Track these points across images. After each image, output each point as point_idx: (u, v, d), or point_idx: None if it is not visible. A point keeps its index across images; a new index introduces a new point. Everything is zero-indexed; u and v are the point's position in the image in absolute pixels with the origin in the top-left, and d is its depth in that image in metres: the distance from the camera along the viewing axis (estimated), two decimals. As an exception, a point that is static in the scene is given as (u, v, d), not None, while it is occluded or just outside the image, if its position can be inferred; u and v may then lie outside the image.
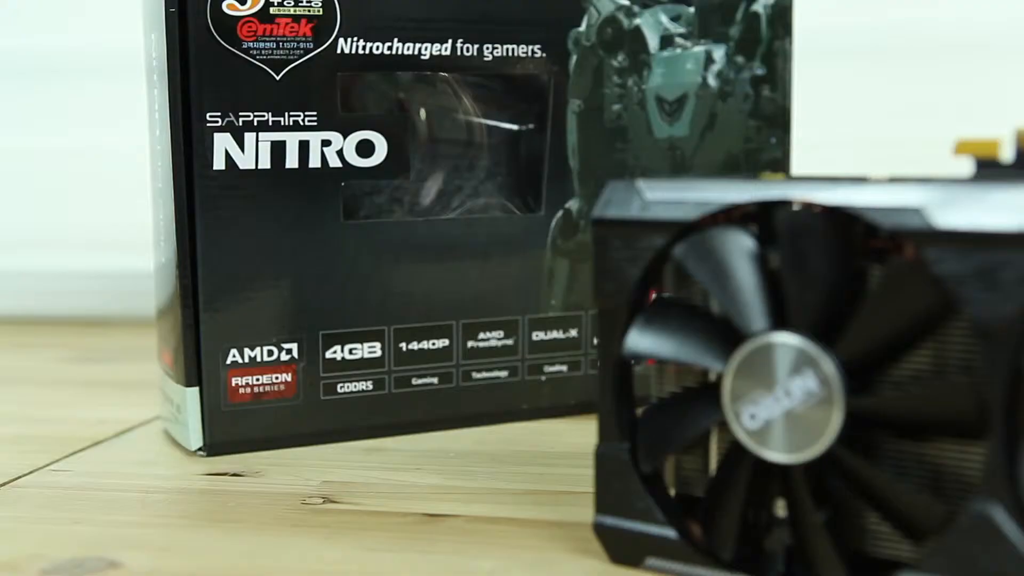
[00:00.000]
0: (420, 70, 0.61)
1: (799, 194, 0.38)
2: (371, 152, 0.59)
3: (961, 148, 0.38)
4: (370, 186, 0.61)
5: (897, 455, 0.37)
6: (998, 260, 0.34)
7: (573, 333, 0.64)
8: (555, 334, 0.64)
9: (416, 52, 0.60)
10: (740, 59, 0.67)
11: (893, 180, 0.38)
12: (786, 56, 0.68)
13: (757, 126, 0.68)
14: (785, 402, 0.37)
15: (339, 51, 0.58)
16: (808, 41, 0.77)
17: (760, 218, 0.40)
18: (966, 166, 0.39)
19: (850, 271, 0.37)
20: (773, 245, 0.39)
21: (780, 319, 0.38)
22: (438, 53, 0.60)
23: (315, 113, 0.58)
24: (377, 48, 0.59)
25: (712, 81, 0.66)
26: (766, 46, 0.67)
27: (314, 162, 0.58)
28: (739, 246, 0.39)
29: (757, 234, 0.39)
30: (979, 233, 0.34)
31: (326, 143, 0.58)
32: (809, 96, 0.76)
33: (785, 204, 0.38)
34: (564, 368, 0.65)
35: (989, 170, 0.37)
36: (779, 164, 0.69)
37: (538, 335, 0.64)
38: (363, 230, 0.60)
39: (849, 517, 0.39)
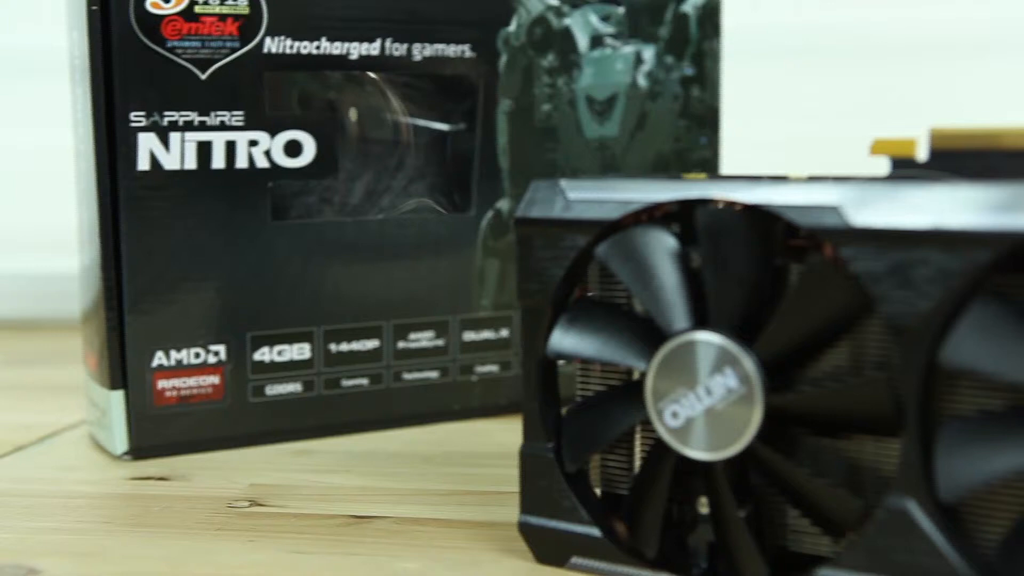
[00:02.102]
0: (348, 70, 0.60)
1: (719, 193, 0.38)
2: (299, 152, 0.59)
3: (877, 148, 0.38)
4: (300, 186, 0.61)
5: (816, 451, 0.38)
6: (912, 258, 0.34)
7: (504, 333, 0.64)
8: (486, 334, 0.64)
9: (344, 52, 0.60)
10: (670, 59, 0.67)
11: (811, 179, 0.38)
12: (715, 56, 0.68)
13: (687, 126, 0.68)
14: (706, 400, 0.38)
15: (266, 50, 0.57)
16: (738, 41, 0.77)
17: (682, 217, 0.40)
18: (884, 166, 0.39)
19: (770, 270, 0.38)
20: (695, 244, 0.39)
21: (701, 318, 0.38)
22: (367, 53, 0.60)
23: (242, 113, 0.57)
24: (305, 47, 0.59)
25: (642, 81, 0.66)
26: (695, 46, 0.68)
27: (241, 162, 0.57)
28: (661, 245, 0.39)
29: (679, 233, 0.40)
30: (893, 232, 0.34)
31: (253, 143, 0.58)
32: (739, 96, 0.76)
33: (706, 203, 0.38)
34: (495, 368, 0.64)
35: (904, 169, 0.38)
36: (708, 164, 0.69)
37: (469, 335, 0.64)
38: (292, 231, 0.59)
39: (770, 513, 0.39)
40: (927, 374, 0.35)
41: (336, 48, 0.59)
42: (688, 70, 0.68)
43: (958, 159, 0.37)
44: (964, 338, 0.33)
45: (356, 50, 0.60)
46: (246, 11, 0.57)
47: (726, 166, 0.72)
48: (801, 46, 0.93)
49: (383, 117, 0.63)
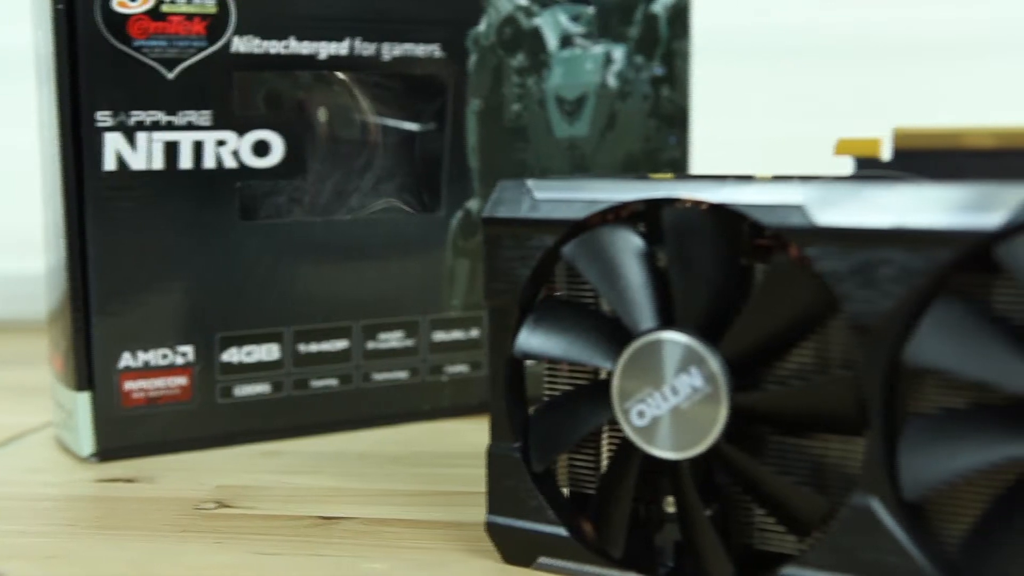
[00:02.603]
0: (317, 69, 0.60)
1: (685, 193, 0.38)
2: (267, 152, 0.59)
3: (841, 148, 0.38)
4: (269, 186, 0.61)
5: (782, 450, 0.38)
6: (875, 258, 0.34)
7: (474, 333, 0.64)
8: (456, 334, 0.64)
9: (313, 51, 0.59)
10: (639, 59, 0.67)
11: (776, 179, 0.39)
12: (685, 56, 0.69)
13: (656, 126, 0.68)
14: (672, 400, 0.38)
15: (234, 50, 0.57)
16: (709, 41, 0.78)
17: (648, 217, 0.40)
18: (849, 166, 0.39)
19: (735, 269, 0.38)
20: (661, 244, 0.39)
21: (668, 317, 0.38)
22: (335, 53, 0.60)
23: (209, 112, 0.57)
24: (273, 47, 0.58)
25: (612, 81, 0.66)
26: (665, 46, 0.68)
27: (209, 162, 0.57)
28: (627, 245, 0.39)
29: (645, 233, 0.40)
30: (857, 231, 0.35)
31: (221, 143, 0.57)
32: (710, 96, 0.76)
33: (671, 203, 0.38)
34: (465, 368, 0.64)
35: (869, 169, 0.38)
36: (678, 163, 0.70)
37: (439, 335, 0.64)
38: (261, 231, 0.59)
39: (736, 512, 0.39)
40: (891, 373, 0.35)
41: (305, 48, 0.59)
42: (658, 70, 0.68)
43: (921, 159, 0.37)
44: (927, 337, 0.33)
45: (325, 50, 0.60)
46: (214, 10, 0.56)
47: (696, 166, 0.72)
48: (771, 46, 0.94)
49: (352, 117, 0.63)
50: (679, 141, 0.69)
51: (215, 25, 0.56)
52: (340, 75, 0.62)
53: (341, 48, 0.60)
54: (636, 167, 0.68)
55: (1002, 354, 0.33)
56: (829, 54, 0.93)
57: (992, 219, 0.33)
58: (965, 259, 0.33)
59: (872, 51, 0.92)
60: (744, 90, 0.93)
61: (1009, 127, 0.36)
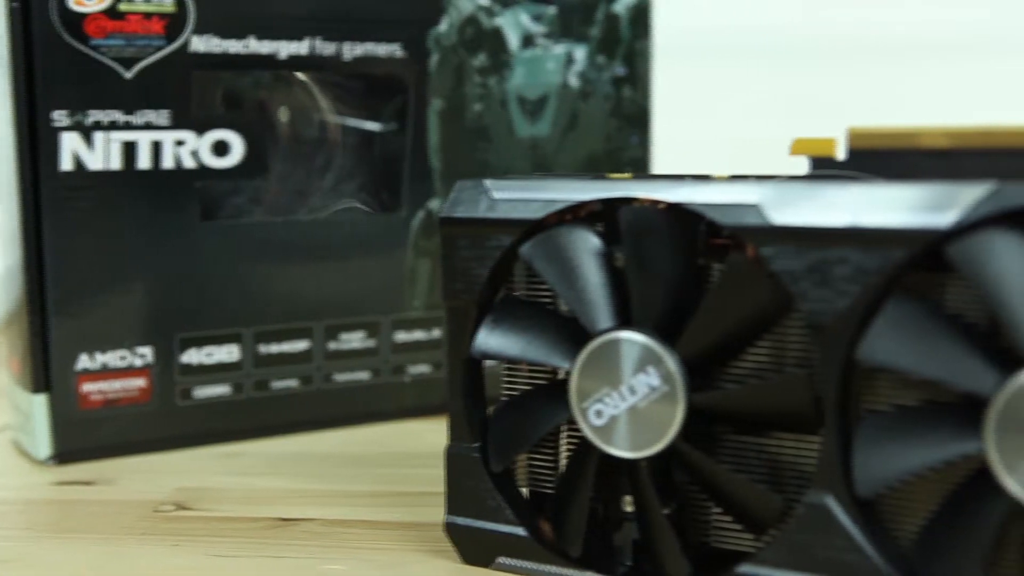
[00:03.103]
0: (277, 69, 0.60)
1: (643, 192, 0.38)
2: (227, 152, 0.58)
3: (797, 148, 0.39)
4: (229, 186, 0.60)
5: (739, 449, 0.38)
6: (830, 257, 0.34)
7: (436, 333, 0.64)
8: (418, 334, 0.64)
9: (273, 51, 0.59)
10: (601, 59, 0.67)
11: (733, 179, 0.39)
12: (646, 56, 0.69)
13: (618, 126, 0.68)
14: (630, 399, 0.38)
15: (192, 49, 0.57)
16: (672, 41, 0.78)
17: (606, 216, 0.40)
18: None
19: (693, 269, 0.38)
20: (619, 243, 0.39)
21: (625, 317, 0.38)
22: (296, 52, 0.60)
23: (168, 112, 0.56)
24: (232, 47, 0.58)
25: (573, 81, 0.67)
26: (626, 46, 0.68)
27: (167, 162, 0.57)
28: (585, 244, 0.39)
29: (603, 232, 0.40)
30: (812, 230, 0.35)
31: (180, 143, 0.57)
32: (672, 96, 0.77)
33: (629, 202, 0.38)
34: (428, 368, 0.64)
35: (824, 169, 0.38)
36: (640, 163, 0.70)
37: (401, 336, 0.64)
38: (221, 231, 0.59)
39: (694, 511, 0.39)
40: (846, 371, 0.35)
41: (264, 47, 0.59)
42: (619, 70, 0.68)
43: (876, 158, 0.38)
44: (880, 335, 0.34)
45: (285, 49, 0.59)
46: (172, 9, 0.56)
47: (658, 166, 0.73)
48: (734, 47, 0.94)
49: (312, 117, 0.63)
50: (641, 141, 0.69)
51: (174, 24, 0.56)
52: (300, 75, 0.62)
53: (301, 48, 0.60)
54: (598, 167, 0.68)
55: (954, 352, 0.33)
56: (791, 55, 0.93)
57: (944, 219, 0.33)
58: (918, 258, 0.34)
59: (833, 52, 0.93)
60: (707, 90, 0.94)
61: (962, 127, 0.37)
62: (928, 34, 0.90)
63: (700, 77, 0.92)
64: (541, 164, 0.66)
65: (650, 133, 0.70)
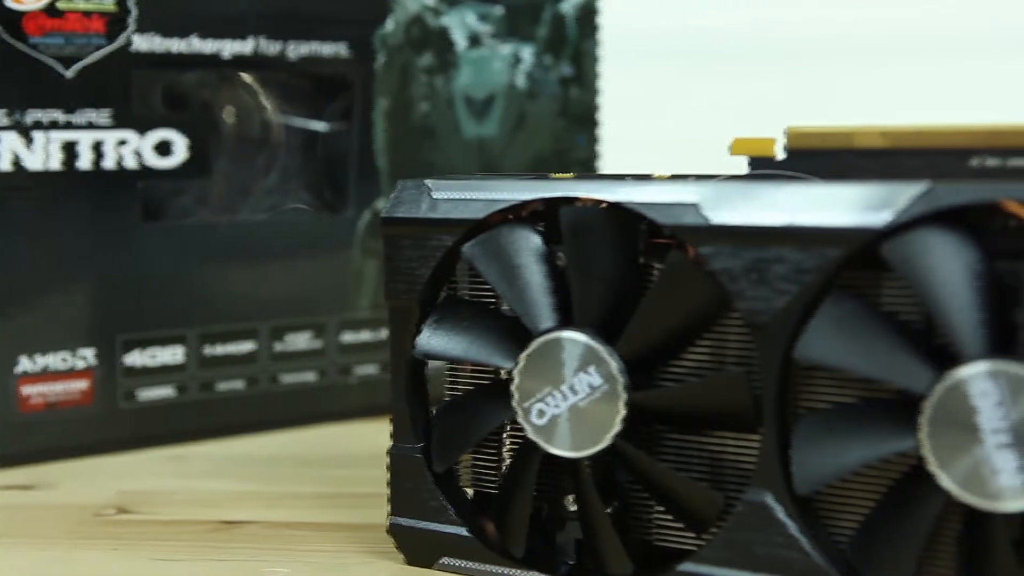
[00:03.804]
0: (221, 68, 0.59)
1: (583, 192, 0.38)
2: (170, 152, 0.58)
3: (736, 148, 0.39)
4: (173, 187, 0.60)
5: (680, 448, 0.38)
6: (768, 256, 0.35)
7: (384, 334, 0.64)
8: (365, 335, 0.64)
9: (217, 50, 0.59)
10: (548, 59, 0.67)
11: (673, 178, 0.39)
12: (593, 57, 0.69)
13: (566, 126, 0.69)
14: (571, 398, 0.38)
15: (134, 48, 0.56)
16: (620, 42, 0.78)
17: (548, 216, 0.40)
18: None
19: (633, 268, 0.38)
20: (561, 243, 0.39)
21: (567, 317, 0.38)
22: (240, 51, 0.59)
23: (109, 111, 0.56)
24: (175, 45, 0.57)
25: (520, 81, 0.67)
26: (573, 47, 0.68)
27: (109, 162, 0.56)
28: (526, 244, 0.39)
29: (545, 232, 0.40)
30: (749, 229, 0.35)
31: (122, 143, 0.56)
32: (621, 96, 0.77)
33: (570, 202, 0.39)
34: (375, 369, 0.64)
35: (763, 168, 0.38)
36: (588, 163, 0.70)
37: (348, 336, 0.63)
38: (164, 232, 0.58)
39: (636, 509, 0.39)
40: (784, 370, 0.35)
41: (208, 46, 0.58)
42: (566, 70, 0.68)
43: (813, 158, 0.38)
44: (817, 334, 0.34)
45: (229, 48, 0.59)
46: (113, 7, 0.55)
47: (606, 166, 0.73)
48: (683, 48, 0.95)
49: (257, 116, 0.63)
50: (588, 141, 0.70)
51: (114, 22, 0.55)
52: (245, 74, 0.61)
53: (245, 47, 0.59)
54: (546, 167, 0.68)
55: (890, 350, 0.33)
56: (739, 56, 0.94)
57: (880, 218, 0.33)
58: (855, 257, 0.34)
59: (780, 53, 0.93)
60: (655, 91, 0.94)
61: (897, 127, 0.37)
62: (864, 35, 0.91)
63: (648, 77, 0.93)
64: (489, 164, 0.66)
65: (597, 133, 0.70)
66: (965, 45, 0.86)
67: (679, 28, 0.94)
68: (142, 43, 0.56)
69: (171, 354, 0.59)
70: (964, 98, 0.83)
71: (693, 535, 0.38)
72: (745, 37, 0.93)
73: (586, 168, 0.70)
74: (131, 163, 0.57)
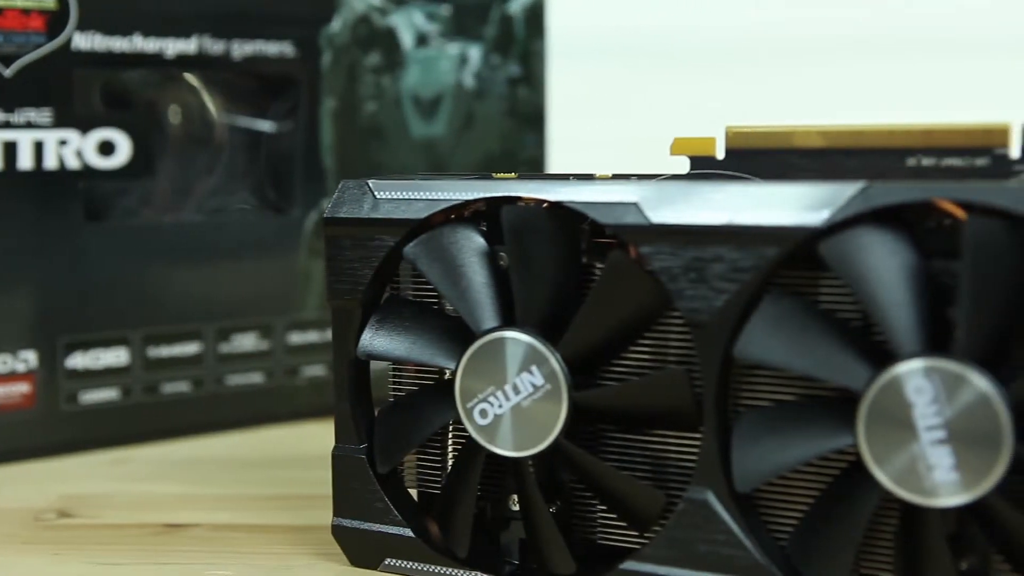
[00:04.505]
0: (164, 67, 0.59)
1: (526, 192, 0.38)
2: (113, 152, 0.57)
3: (677, 147, 0.39)
4: (117, 187, 0.59)
5: (623, 446, 0.38)
6: (706, 255, 0.35)
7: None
8: (312, 336, 0.63)
9: (160, 49, 0.58)
10: (496, 59, 0.67)
11: (615, 178, 0.39)
12: (541, 57, 0.69)
13: (514, 126, 0.69)
14: (514, 398, 0.38)
15: (75, 46, 0.56)
16: (569, 42, 0.78)
17: (490, 216, 0.40)
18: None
19: (575, 268, 0.38)
20: (503, 243, 0.39)
21: (509, 317, 0.38)
22: (184, 50, 0.59)
23: (50, 111, 0.55)
24: (117, 44, 0.57)
25: (468, 81, 0.67)
26: (521, 46, 0.68)
27: (50, 162, 0.55)
28: (469, 244, 0.39)
29: (487, 232, 0.40)
30: (689, 229, 0.35)
31: (63, 143, 0.56)
32: (570, 96, 0.77)
33: (512, 202, 0.39)
34: (322, 370, 0.64)
35: (703, 168, 0.39)
36: (536, 163, 0.70)
37: (295, 337, 0.63)
38: (108, 232, 0.58)
39: (579, 508, 0.39)
40: (724, 368, 0.35)
41: (151, 45, 0.58)
42: (514, 70, 0.68)
43: (753, 157, 0.38)
44: (755, 332, 0.34)
45: (172, 47, 0.58)
46: (53, 5, 0.55)
47: (555, 166, 0.73)
48: (632, 48, 0.95)
49: (202, 116, 0.62)
50: (537, 141, 0.70)
51: (55, 20, 0.55)
52: (189, 73, 0.61)
53: (189, 46, 0.59)
54: (494, 167, 0.68)
55: (827, 349, 0.34)
56: (687, 56, 0.94)
57: (817, 217, 0.34)
58: (792, 256, 0.34)
59: (727, 52, 0.94)
60: (605, 91, 0.94)
61: (835, 127, 0.37)
62: (806, 35, 0.92)
63: (597, 77, 0.93)
64: (437, 164, 0.66)
65: (546, 133, 0.70)
66: (902, 46, 0.87)
67: (627, 28, 0.94)
68: (83, 41, 0.56)
69: (115, 356, 0.58)
70: (902, 98, 0.84)
71: (636, 534, 0.38)
72: (693, 37, 0.94)
73: (535, 168, 0.70)
74: (72, 163, 0.56)
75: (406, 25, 0.65)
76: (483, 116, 0.67)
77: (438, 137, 0.66)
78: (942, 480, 0.32)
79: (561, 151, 0.74)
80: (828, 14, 0.89)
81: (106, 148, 0.57)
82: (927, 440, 0.32)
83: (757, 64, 0.92)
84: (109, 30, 0.56)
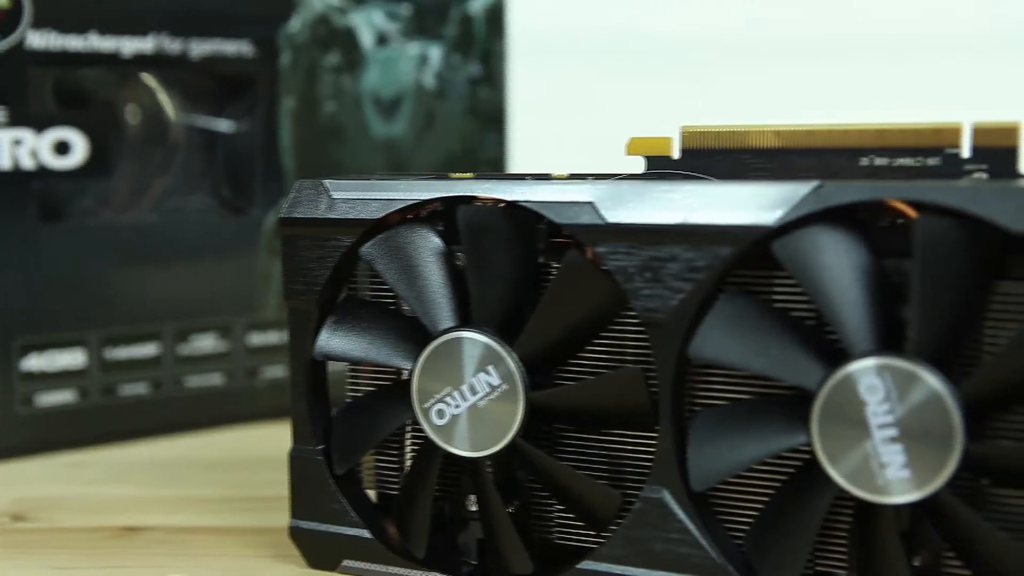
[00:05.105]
0: (121, 66, 0.58)
1: (482, 191, 0.38)
2: (69, 151, 0.57)
3: (633, 147, 0.39)
4: (73, 187, 0.59)
5: (580, 446, 0.38)
6: (661, 255, 0.35)
7: (292, 335, 0.63)
8: (272, 337, 0.63)
9: (116, 47, 0.58)
10: (456, 59, 0.67)
11: (571, 177, 0.39)
12: (501, 56, 0.69)
13: (475, 126, 0.68)
14: (471, 398, 0.38)
15: (29, 44, 0.55)
16: (531, 41, 0.78)
17: (447, 216, 0.40)
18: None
19: (532, 268, 0.38)
20: (460, 243, 0.39)
21: (466, 317, 0.38)
22: (141, 48, 0.58)
23: (3, 110, 0.55)
24: (73, 42, 0.56)
25: (429, 81, 0.66)
26: (482, 46, 0.68)
27: (4, 162, 0.55)
28: (425, 244, 0.39)
29: (444, 232, 0.40)
30: (644, 228, 0.35)
31: (17, 142, 0.55)
32: (533, 95, 0.77)
33: (469, 201, 0.38)
34: (283, 371, 0.63)
35: (659, 168, 0.39)
36: (498, 163, 0.70)
37: (255, 338, 0.63)
38: (63, 233, 0.57)
39: (537, 508, 0.39)
40: (680, 367, 0.36)
41: (107, 43, 0.57)
42: (475, 70, 0.68)
43: (708, 157, 0.38)
44: (710, 331, 0.34)
45: (129, 45, 0.58)
46: (6, 3, 0.54)
47: (517, 165, 0.73)
48: (596, 47, 0.95)
49: (160, 115, 0.61)
50: (498, 141, 0.70)
51: (8, 18, 0.54)
52: (146, 72, 0.60)
53: (147, 44, 0.58)
54: (456, 167, 0.68)
55: (781, 347, 0.34)
56: (649, 55, 0.95)
57: (770, 216, 0.34)
58: (746, 255, 0.34)
59: (687, 53, 0.94)
60: (567, 90, 0.94)
61: (790, 126, 0.37)
62: (764, 36, 0.92)
63: (558, 77, 0.93)
64: (398, 164, 0.66)
65: (507, 133, 0.70)
66: (857, 47, 0.88)
67: (588, 28, 0.95)
68: (38, 40, 0.55)
69: (71, 358, 0.58)
70: (856, 99, 0.84)
71: (593, 533, 0.38)
72: (653, 37, 0.94)
73: (497, 168, 0.70)
74: (27, 163, 0.55)
75: (366, 24, 0.64)
76: (444, 116, 0.67)
77: (399, 137, 0.66)
78: (894, 478, 0.32)
79: (523, 151, 0.74)
80: (785, 15, 0.90)
81: (62, 148, 0.56)
82: (879, 438, 0.32)
83: (717, 64, 0.93)
84: (64, 28, 0.56)
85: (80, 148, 0.57)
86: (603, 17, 0.94)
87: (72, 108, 0.58)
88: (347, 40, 0.64)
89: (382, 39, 0.65)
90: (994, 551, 0.32)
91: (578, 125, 0.95)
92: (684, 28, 0.93)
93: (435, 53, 0.66)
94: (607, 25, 0.94)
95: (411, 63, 0.66)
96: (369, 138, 0.65)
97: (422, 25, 0.66)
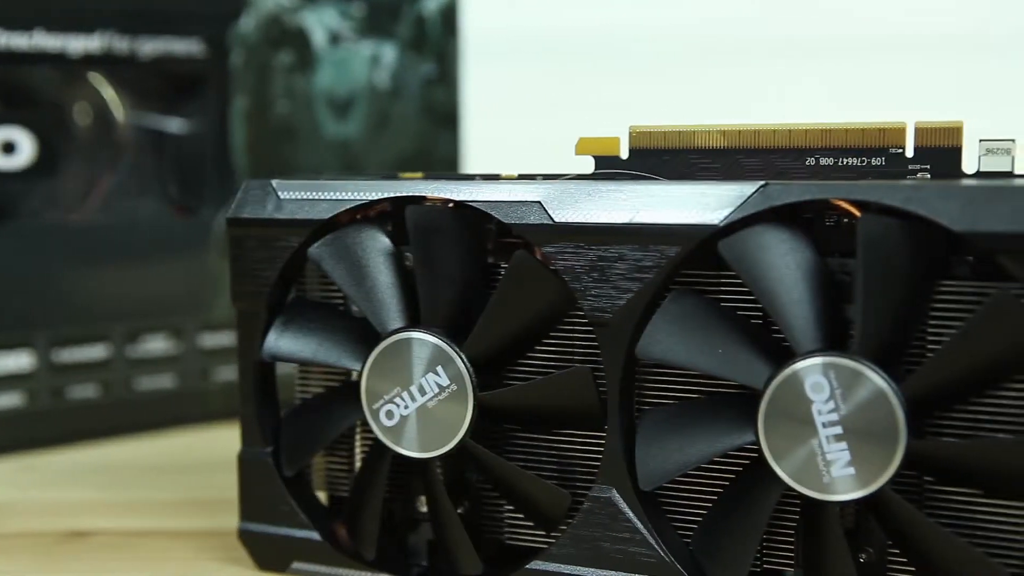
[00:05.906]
0: (68, 65, 0.58)
1: (430, 191, 0.38)
2: (16, 151, 0.56)
3: (581, 147, 0.39)
4: (20, 187, 0.58)
5: (530, 446, 0.38)
6: (609, 254, 0.35)
7: (244, 336, 0.63)
8: (224, 338, 0.63)
9: (63, 45, 0.57)
10: (410, 58, 0.67)
11: (520, 177, 0.39)
12: (455, 56, 0.69)
13: (429, 126, 0.68)
14: (419, 399, 0.38)
15: (-25, 43, 0.54)
16: (486, 41, 0.78)
17: (396, 216, 0.40)
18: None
19: (481, 268, 0.38)
20: (409, 243, 0.39)
21: (415, 317, 0.38)
22: (88, 46, 0.58)
23: (-51, 110, 0.54)
24: (17, 40, 0.56)
25: (382, 80, 0.66)
26: (436, 46, 0.68)
27: (-51, 162, 0.54)
28: (374, 245, 0.39)
29: (393, 232, 0.39)
30: (591, 228, 0.35)
31: (-37, 142, 0.54)
32: (487, 95, 0.77)
33: (418, 201, 0.38)
34: (235, 372, 0.63)
35: (607, 167, 0.39)
36: (452, 163, 0.70)
37: (207, 340, 0.62)
38: (11, 233, 0.56)
39: (487, 509, 0.39)
40: (628, 367, 0.36)
41: (54, 41, 0.57)
42: (429, 69, 0.68)
43: (656, 157, 0.38)
44: (657, 331, 0.34)
45: (76, 44, 0.57)
46: (-50, 2, 0.53)
47: (472, 166, 0.73)
48: (550, 47, 0.95)
49: (109, 115, 0.61)
50: (451, 141, 0.69)
51: (-47, 17, 0.54)
52: (95, 71, 0.60)
53: (94, 42, 0.58)
54: (409, 167, 0.68)
55: (727, 346, 0.34)
56: (602, 56, 0.95)
57: (716, 216, 0.34)
58: (693, 255, 0.34)
59: (639, 54, 0.94)
60: (521, 90, 0.94)
61: (736, 126, 0.38)
62: (715, 35, 0.93)
63: (512, 77, 0.93)
64: (351, 164, 0.66)
65: (460, 133, 0.70)
66: (803, 47, 0.89)
67: (541, 28, 0.95)
68: (-17, 39, 0.55)
69: (18, 360, 0.57)
70: (802, 98, 0.85)
71: (543, 533, 0.38)
72: (607, 38, 0.94)
73: (451, 168, 0.70)
74: (-27, 163, 0.55)
75: (318, 24, 0.64)
76: (397, 116, 0.67)
77: (352, 137, 0.66)
78: (839, 475, 0.32)
79: (477, 151, 0.74)
80: (736, 15, 0.90)
81: (8, 148, 0.56)
82: (825, 436, 0.32)
83: (669, 64, 0.93)
84: (9, 25, 0.55)
85: (27, 148, 0.56)
86: (556, 18, 0.94)
87: (19, 107, 0.57)
88: (299, 40, 0.63)
89: (335, 39, 0.64)
90: (936, 548, 0.32)
91: (532, 125, 0.95)
92: (636, 29, 0.93)
93: (388, 53, 0.66)
94: (560, 26, 0.94)
95: (364, 63, 0.65)
96: (322, 138, 0.65)
97: (375, 25, 0.66)
